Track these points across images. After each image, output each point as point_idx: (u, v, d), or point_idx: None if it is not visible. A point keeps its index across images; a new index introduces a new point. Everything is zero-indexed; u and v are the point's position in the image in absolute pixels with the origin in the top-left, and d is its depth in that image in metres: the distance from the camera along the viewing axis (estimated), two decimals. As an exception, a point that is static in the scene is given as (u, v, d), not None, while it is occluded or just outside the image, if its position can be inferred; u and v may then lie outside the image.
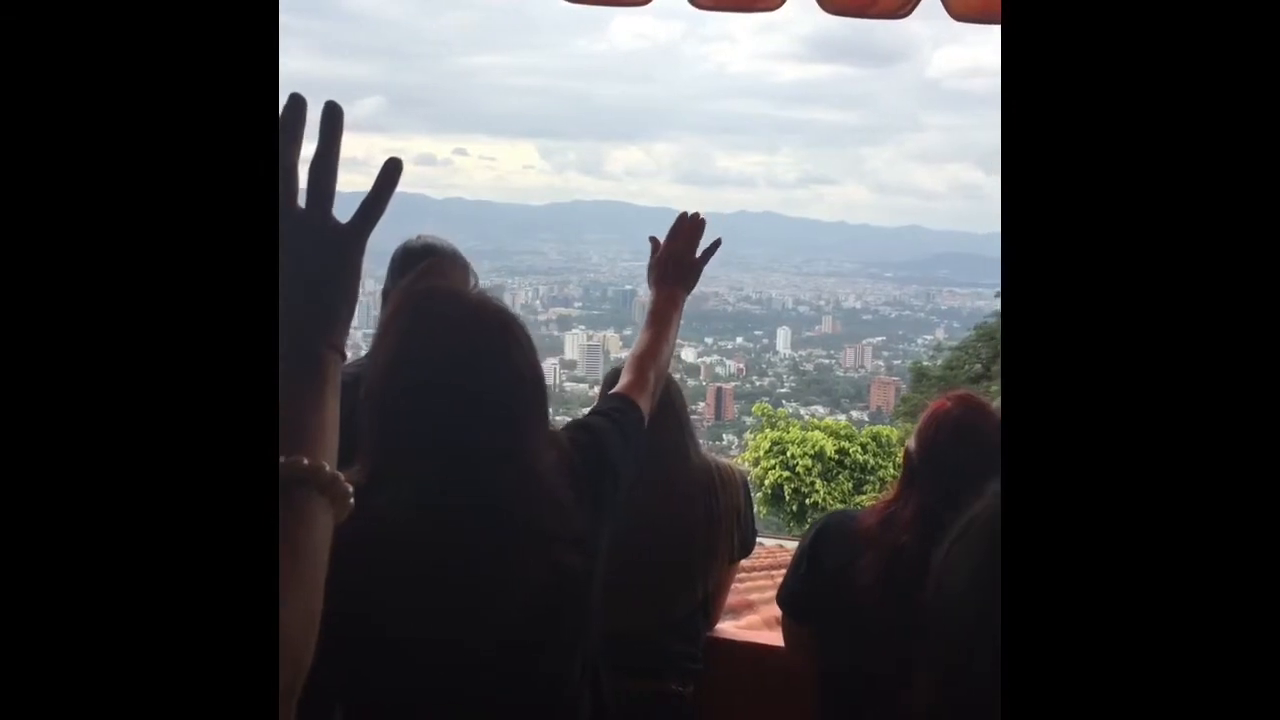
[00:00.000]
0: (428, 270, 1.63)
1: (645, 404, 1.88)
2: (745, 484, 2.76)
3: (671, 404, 2.64)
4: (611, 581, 2.57)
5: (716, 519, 2.63)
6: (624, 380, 1.92)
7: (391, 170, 1.06)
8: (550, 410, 1.67)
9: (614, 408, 1.83)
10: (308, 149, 1.04)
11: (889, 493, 2.31)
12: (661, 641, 2.60)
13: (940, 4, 2.74)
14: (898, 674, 2.01)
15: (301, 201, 1.03)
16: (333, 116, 1.01)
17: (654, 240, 2.17)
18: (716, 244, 2.18)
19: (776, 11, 2.84)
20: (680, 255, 2.14)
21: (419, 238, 2.73)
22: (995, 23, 2.76)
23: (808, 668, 2.39)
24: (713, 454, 2.82)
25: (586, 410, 1.97)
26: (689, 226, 2.16)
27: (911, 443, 2.24)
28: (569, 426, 1.77)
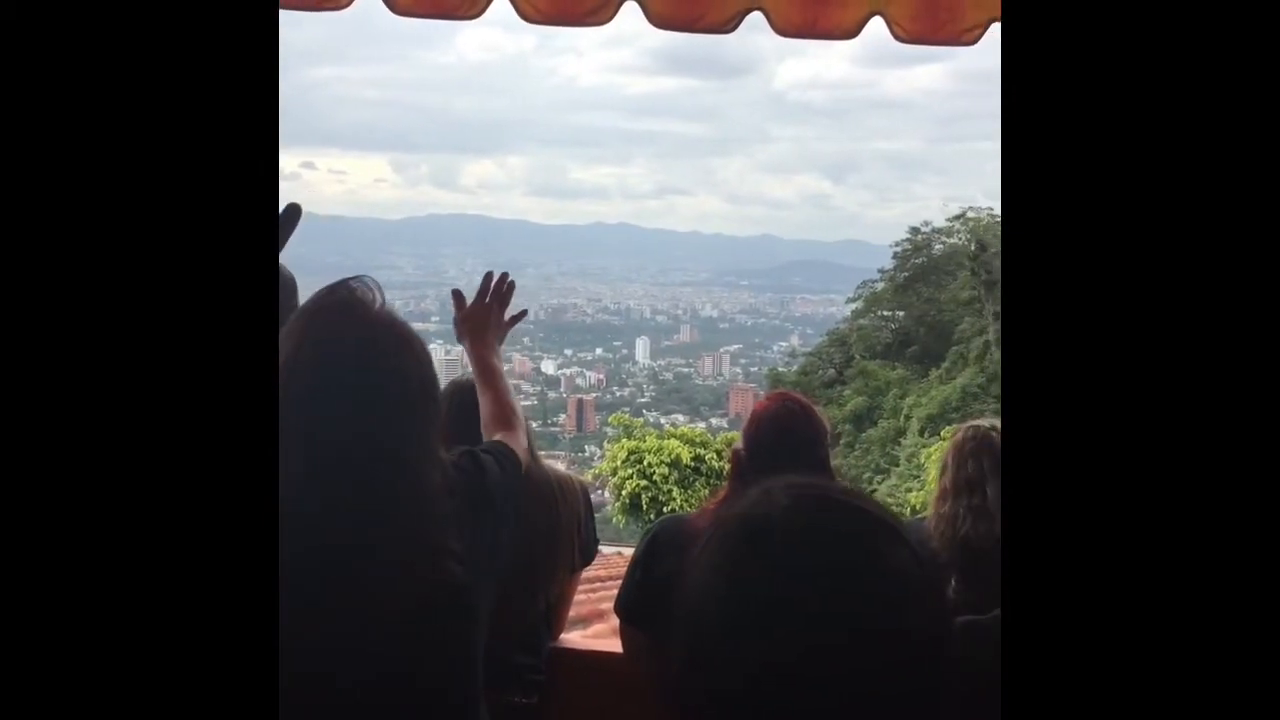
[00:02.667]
0: (334, 289, 1.66)
1: (522, 454, 1.94)
2: (585, 493, 2.78)
3: (510, 417, 2.65)
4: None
5: (557, 530, 2.64)
6: (497, 435, 1.97)
7: (291, 215, 1.10)
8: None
9: (496, 449, 1.88)
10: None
11: (718, 493, 2.36)
12: (503, 654, 2.59)
13: (764, 20, 2.84)
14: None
15: None
16: (292, 216, 1.07)
17: (458, 295, 2.19)
18: (522, 314, 2.25)
19: (622, 27, 2.90)
20: (491, 317, 2.17)
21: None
22: (816, 38, 2.86)
23: (648, 673, 2.41)
24: (551, 464, 2.83)
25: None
26: (500, 289, 2.19)
27: (739, 444, 2.31)
28: (454, 452, 1.79)
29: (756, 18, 2.82)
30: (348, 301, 1.63)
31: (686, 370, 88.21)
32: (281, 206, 1.55)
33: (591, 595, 4.70)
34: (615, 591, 2.55)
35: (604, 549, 6.62)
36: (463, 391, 2.68)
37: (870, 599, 0.84)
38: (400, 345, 1.63)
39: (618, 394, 79.02)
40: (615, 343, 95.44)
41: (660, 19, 2.80)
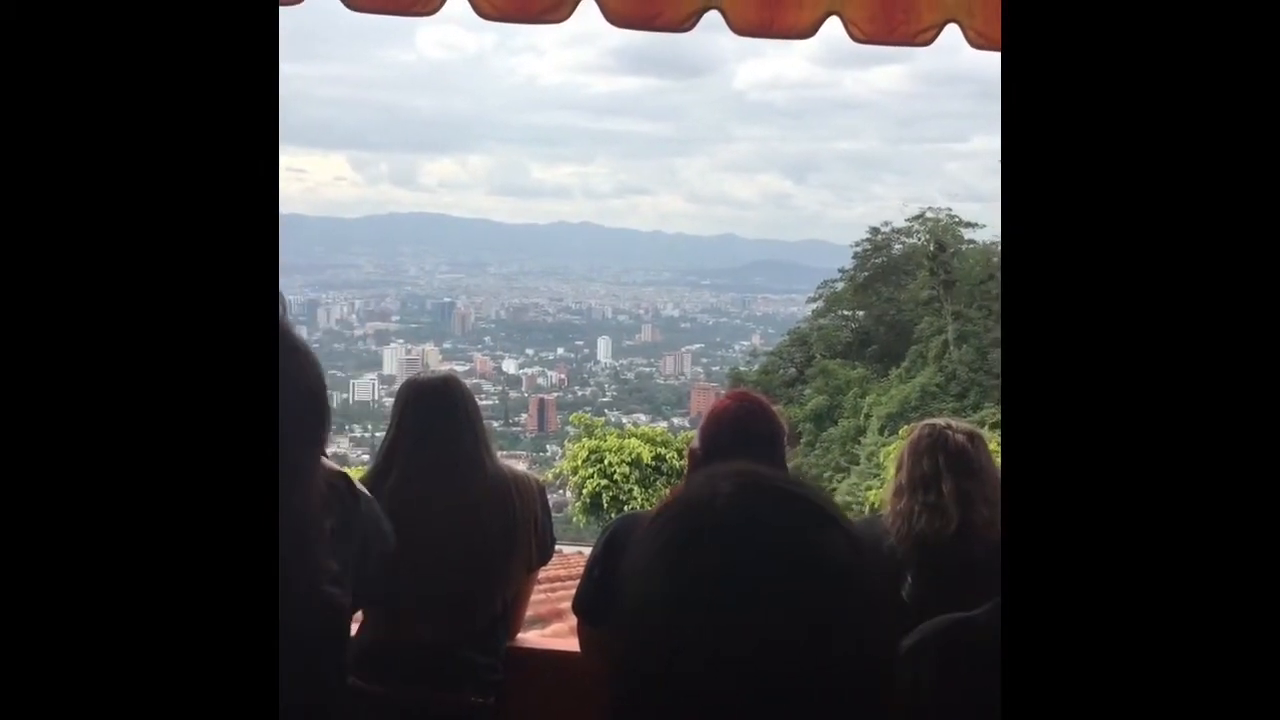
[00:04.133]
0: None
1: None
2: (542, 492, 2.78)
3: (467, 416, 2.65)
4: (409, 594, 2.56)
5: (514, 529, 2.64)
6: None
7: None
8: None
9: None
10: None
11: (675, 491, 2.35)
12: (461, 653, 2.59)
13: (722, 19, 2.85)
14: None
15: None
16: None
17: None
18: None
19: (583, 25, 2.91)
20: None
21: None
22: (773, 37, 2.88)
23: (604, 671, 2.41)
24: (509, 463, 2.83)
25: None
26: None
27: (696, 441, 2.31)
28: (329, 472, 1.75)
29: (714, 17, 2.84)
30: None
31: (648, 370, 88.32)
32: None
33: (551, 595, 4.70)
34: (574, 590, 2.55)
35: (565, 548, 6.64)
36: (423, 391, 2.67)
37: (803, 584, 0.85)
38: (287, 352, 1.52)
39: (579, 393, 78.95)
40: (577, 342, 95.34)
41: (617, 16, 2.80)
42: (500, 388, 78.81)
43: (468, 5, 2.78)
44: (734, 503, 0.91)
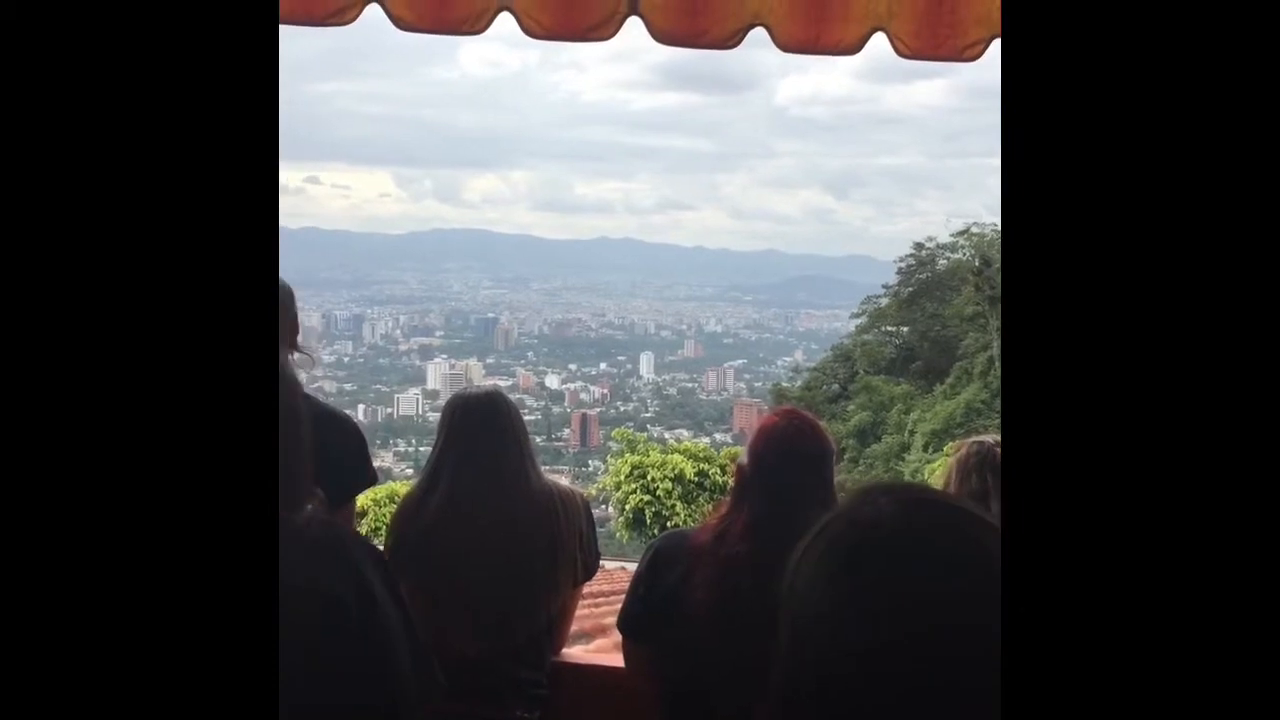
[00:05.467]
0: None
1: None
2: (587, 508, 2.78)
3: (513, 431, 2.65)
4: (455, 608, 2.57)
5: (559, 544, 2.65)
6: None
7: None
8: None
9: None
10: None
11: (720, 507, 2.35)
12: (506, 668, 2.59)
13: (768, 36, 2.85)
14: (734, 686, 2.06)
15: None
16: None
17: None
18: None
19: (625, 42, 2.92)
20: None
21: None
22: (819, 53, 2.87)
23: (650, 687, 2.41)
24: (554, 479, 2.83)
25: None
26: None
27: (743, 458, 2.30)
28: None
29: (759, 33, 2.84)
30: None
31: (691, 385, 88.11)
32: (283, 220, 1.52)
33: (595, 610, 4.71)
34: (618, 606, 2.55)
35: (607, 564, 6.63)
36: (470, 406, 2.68)
37: (978, 585, 0.89)
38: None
39: (622, 409, 78.88)
40: (619, 357, 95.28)
41: (663, 34, 2.81)
42: (543, 403, 78.99)
43: (513, 23, 2.80)
44: (903, 517, 0.94)
